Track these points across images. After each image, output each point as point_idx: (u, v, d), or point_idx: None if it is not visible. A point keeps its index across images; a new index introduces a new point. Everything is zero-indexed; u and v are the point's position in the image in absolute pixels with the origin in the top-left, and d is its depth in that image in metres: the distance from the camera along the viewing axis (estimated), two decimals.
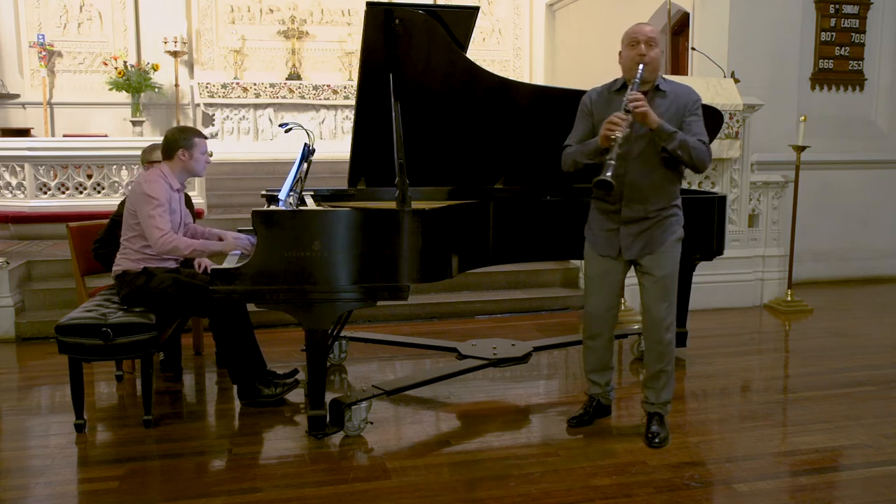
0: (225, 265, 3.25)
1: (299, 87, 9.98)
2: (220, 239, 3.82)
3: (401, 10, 3.23)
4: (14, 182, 6.73)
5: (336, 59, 10.46)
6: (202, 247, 3.61)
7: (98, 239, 4.07)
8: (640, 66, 2.99)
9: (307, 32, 10.38)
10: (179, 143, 3.65)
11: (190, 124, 9.95)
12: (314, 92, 9.99)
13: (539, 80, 10.57)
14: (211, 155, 4.01)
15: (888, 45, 6.98)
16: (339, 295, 3.16)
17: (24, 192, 6.68)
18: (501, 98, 3.82)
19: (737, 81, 5.87)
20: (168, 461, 3.12)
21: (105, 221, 4.17)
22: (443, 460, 3.12)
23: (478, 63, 3.72)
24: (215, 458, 3.17)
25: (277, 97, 9.93)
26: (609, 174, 2.82)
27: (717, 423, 3.57)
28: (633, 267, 3.28)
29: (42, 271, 5.47)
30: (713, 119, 4.16)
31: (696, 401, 3.88)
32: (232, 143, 9.82)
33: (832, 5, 6.75)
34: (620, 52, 3.13)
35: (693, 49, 6.79)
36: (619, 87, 3.15)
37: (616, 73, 3.26)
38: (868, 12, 6.87)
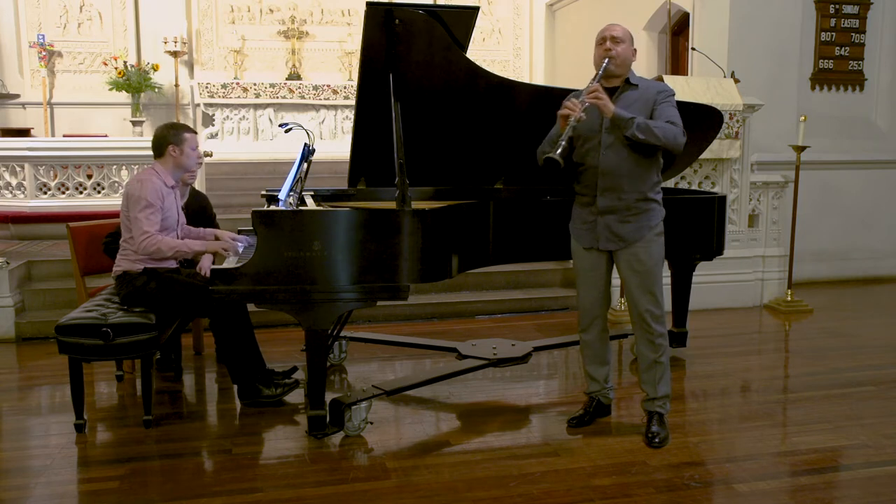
0: (225, 265, 3.26)
1: (299, 87, 9.98)
2: (217, 239, 3.82)
3: (401, 10, 3.23)
4: (14, 182, 6.73)
5: (336, 59, 10.46)
6: (185, 247, 3.60)
7: (111, 233, 4.07)
8: (606, 60, 3.11)
9: (307, 32, 10.38)
10: (169, 139, 3.65)
11: (190, 124, 9.95)
12: (314, 92, 9.99)
13: (539, 80, 10.56)
14: (210, 155, 4.01)
15: (888, 45, 6.98)
16: (339, 295, 3.16)
17: (24, 192, 6.68)
18: (501, 98, 3.82)
19: (737, 81, 5.87)
20: (168, 461, 3.12)
21: (115, 221, 4.17)
22: (443, 460, 3.12)
23: (478, 63, 3.72)
24: (215, 458, 3.17)
25: (277, 97, 9.93)
26: (557, 152, 2.93)
27: (717, 423, 3.58)
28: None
29: (42, 271, 5.47)
30: (713, 119, 4.17)
31: (696, 401, 3.88)
32: (232, 143, 9.82)
33: (832, 5, 6.75)
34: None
35: (693, 49, 6.79)
36: None
37: None
38: (868, 12, 6.87)
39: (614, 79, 3.18)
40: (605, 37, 3.16)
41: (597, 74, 3.12)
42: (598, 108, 3.04)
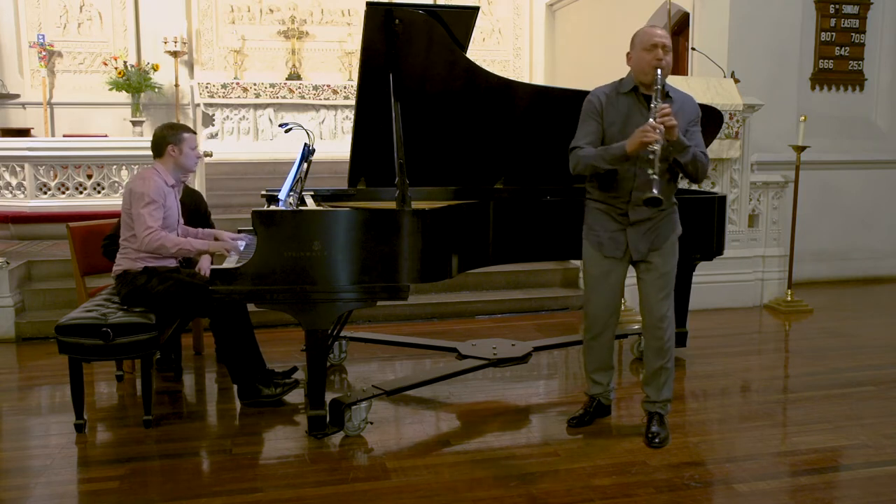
0: (225, 265, 3.25)
1: (299, 87, 9.98)
2: (216, 239, 3.82)
3: (401, 10, 3.23)
4: (14, 182, 6.73)
5: (336, 59, 10.46)
6: (188, 245, 3.60)
7: (108, 235, 4.07)
8: (659, 72, 2.96)
9: (307, 32, 10.38)
10: (168, 139, 3.66)
11: (190, 124, 9.95)
12: (314, 92, 10.00)
13: (539, 80, 10.56)
14: (210, 155, 4.01)
15: (888, 45, 6.97)
16: (338, 295, 3.16)
17: (24, 192, 6.68)
18: (501, 98, 3.82)
19: (737, 81, 5.87)
20: (168, 461, 3.12)
21: (114, 221, 4.17)
22: (443, 460, 3.12)
23: (478, 63, 3.72)
24: (215, 458, 3.17)
25: (277, 97, 9.93)
26: (656, 191, 2.85)
27: (717, 423, 3.58)
28: (632, 265, 3.28)
29: (42, 271, 5.47)
30: (713, 119, 4.17)
31: (696, 401, 3.88)
32: (232, 143, 9.82)
33: (832, 5, 6.75)
34: (629, 54, 3.10)
35: (693, 49, 6.79)
36: (629, 90, 3.10)
37: (616, 72, 3.25)
38: (868, 12, 6.87)
39: (651, 89, 3.03)
40: (657, 44, 2.98)
41: (656, 89, 2.94)
42: (667, 129, 2.90)
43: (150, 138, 3.81)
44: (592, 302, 3.32)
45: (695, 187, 5.70)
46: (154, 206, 3.51)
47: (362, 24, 3.27)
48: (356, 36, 9.63)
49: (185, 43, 9.88)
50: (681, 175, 3.22)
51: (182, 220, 3.88)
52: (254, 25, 10.32)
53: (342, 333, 4.36)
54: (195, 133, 3.81)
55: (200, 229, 3.97)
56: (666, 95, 3.03)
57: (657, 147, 2.86)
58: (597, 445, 3.25)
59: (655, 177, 2.86)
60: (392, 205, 3.21)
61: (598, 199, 3.23)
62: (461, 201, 3.60)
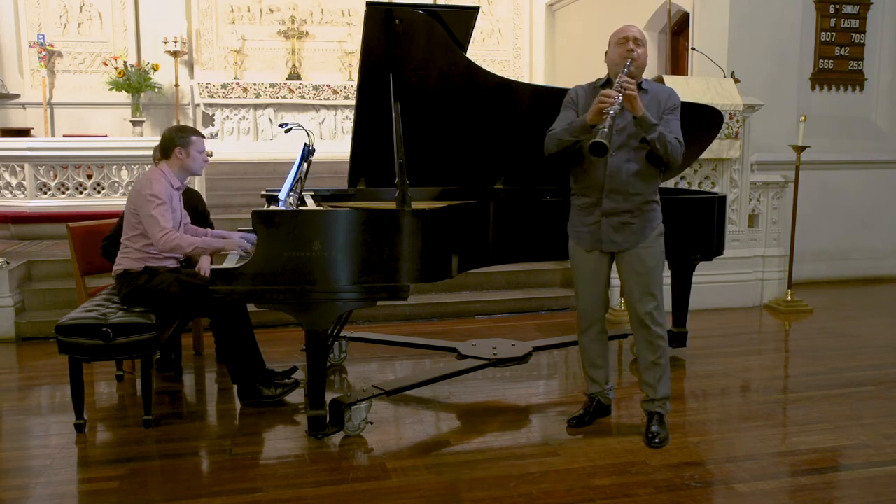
0: (225, 265, 3.25)
1: (299, 87, 9.98)
2: (224, 238, 3.83)
3: (401, 10, 3.23)
4: (14, 182, 6.73)
5: (336, 59, 10.46)
6: (204, 244, 3.61)
7: (108, 236, 4.07)
8: (629, 61, 3.05)
9: (307, 32, 10.38)
10: (176, 142, 3.66)
11: (190, 124, 9.95)
12: (314, 92, 10.00)
13: (539, 80, 10.56)
14: (210, 155, 4.00)
15: (888, 45, 6.98)
16: (338, 295, 3.16)
17: (24, 192, 6.68)
18: (501, 98, 3.82)
19: (737, 81, 5.87)
20: (168, 461, 3.12)
21: (114, 221, 4.17)
22: (443, 460, 3.12)
23: (478, 63, 3.72)
24: (215, 458, 3.17)
25: (277, 97, 9.93)
26: (603, 138, 2.82)
27: (717, 423, 3.58)
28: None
29: (42, 271, 5.47)
30: (713, 119, 4.17)
31: (696, 401, 3.88)
32: (232, 143, 9.82)
33: (832, 5, 6.75)
34: (607, 52, 3.20)
35: (693, 49, 6.79)
36: (604, 84, 3.20)
37: None
38: (868, 12, 6.87)
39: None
40: (628, 37, 3.10)
41: (620, 75, 3.03)
42: (629, 102, 2.97)
43: (151, 138, 3.82)
44: (579, 297, 3.38)
45: (694, 187, 5.72)
46: (164, 206, 3.53)
47: (362, 24, 3.28)
48: (356, 36, 9.63)
49: (185, 43, 9.88)
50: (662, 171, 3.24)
51: (188, 221, 3.88)
52: (254, 25, 10.32)
53: (342, 333, 4.36)
54: (204, 137, 3.81)
55: (208, 230, 3.98)
56: (639, 87, 3.11)
57: (612, 111, 2.90)
58: (597, 445, 3.25)
59: (605, 129, 2.87)
60: (392, 205, 3.21)
61: (577, 192, 3.29)
62: (461, 201, 3.60)
